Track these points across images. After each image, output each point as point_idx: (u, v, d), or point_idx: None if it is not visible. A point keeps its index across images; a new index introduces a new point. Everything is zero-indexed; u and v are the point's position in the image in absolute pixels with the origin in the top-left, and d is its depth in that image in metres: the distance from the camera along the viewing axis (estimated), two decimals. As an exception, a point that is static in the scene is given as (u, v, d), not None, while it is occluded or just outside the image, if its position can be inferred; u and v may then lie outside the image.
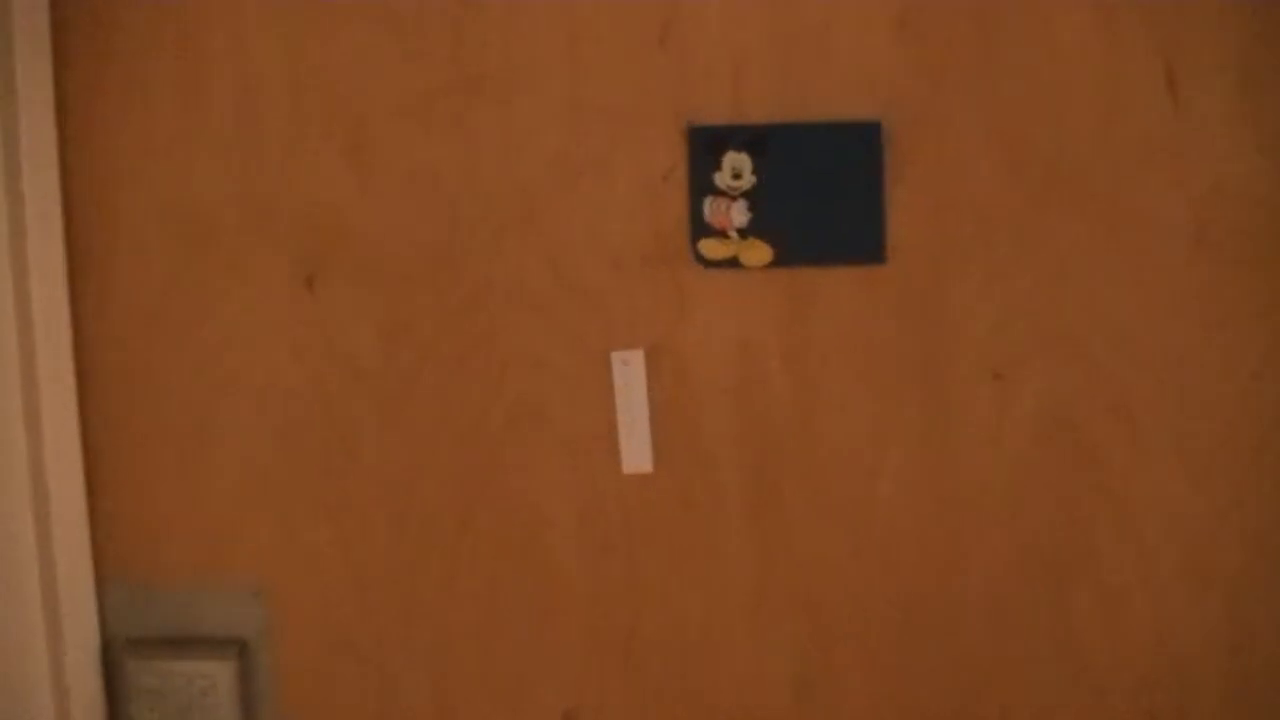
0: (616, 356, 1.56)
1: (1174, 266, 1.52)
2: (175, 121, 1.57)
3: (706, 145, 1.52)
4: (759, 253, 1.54)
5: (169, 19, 1.56)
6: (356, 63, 1.55)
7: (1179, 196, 1.50)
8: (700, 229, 1.54)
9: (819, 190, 1.52)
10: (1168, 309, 1.52)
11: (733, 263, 1.54)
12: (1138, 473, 1.55)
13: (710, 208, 1.53)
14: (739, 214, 1.53)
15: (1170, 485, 1.54)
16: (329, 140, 1.57)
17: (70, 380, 1.60)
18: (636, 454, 1.57)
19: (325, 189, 1.57)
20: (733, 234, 1.54)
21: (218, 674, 1.61)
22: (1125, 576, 1.56)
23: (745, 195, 1.53)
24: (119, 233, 1.59)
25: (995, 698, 1.59)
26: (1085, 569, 1.56)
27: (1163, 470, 1.54)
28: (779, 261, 1.53)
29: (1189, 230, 1.51)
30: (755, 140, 1.52)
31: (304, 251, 1.58)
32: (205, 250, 1.59)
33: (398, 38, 1.55)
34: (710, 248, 1.54)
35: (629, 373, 1.56)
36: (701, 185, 1.53)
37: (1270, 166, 1.49)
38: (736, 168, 1.52)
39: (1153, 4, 1.48)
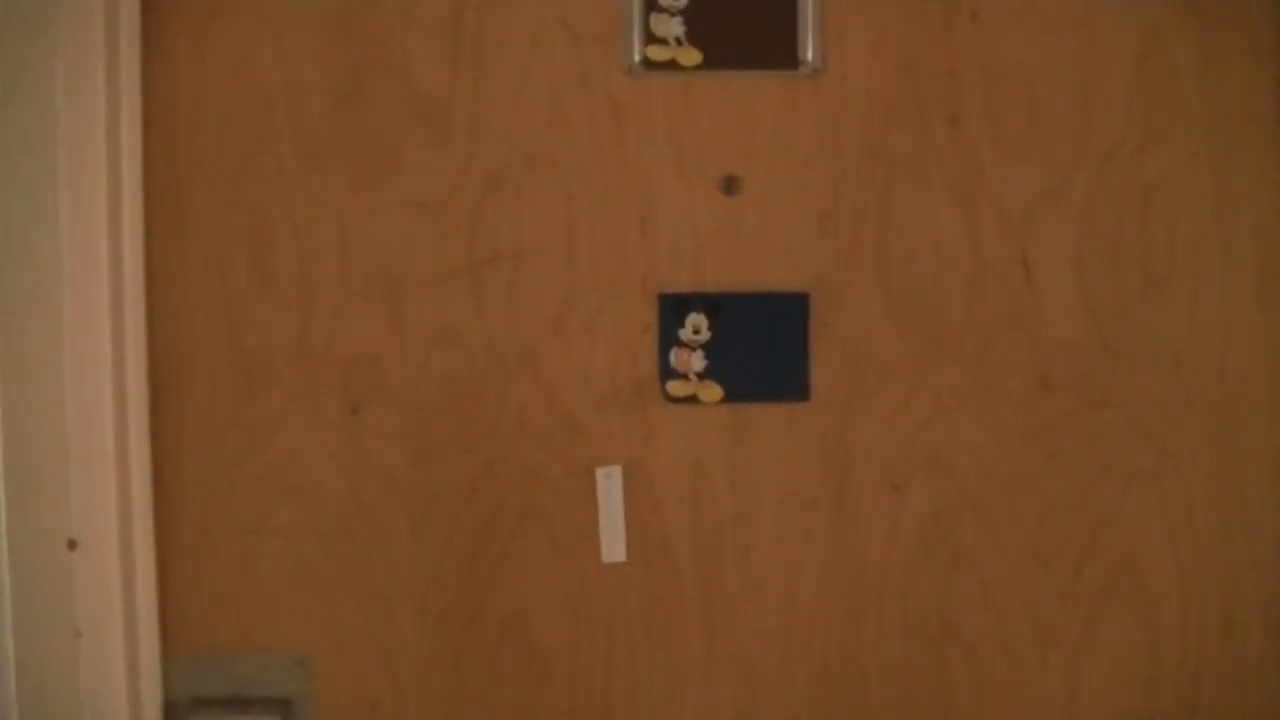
0: (600, 471, 1.99)
1: (1024, 406, 2.00)
2: (246, 282, 1.97)
3: (673, 308, 1.97)
4: (712, 392, 1.98)
5: (241, 202, 1.96)
6: (394, 240, 1.97)
7: (1029, 350, 1.99)
8: (667, 372, 1.98)
9: (759, 344, 1.98)
10: (1019, 438, 2.00)
11: (692, 399, 1.98)
12: (995, 560, 2.02)
13: (675, 356, 1.98)
14: (698, 361, 1.98)
15: (1021, 569, 2.02)
16: (370, 302, 1.98)
17: (148, 486, 1.97)
18: (614, 547, 2.00)
19: (366, 340, 1.98)
20: (693, 377, 1.98)
21: (267, 728, 1.99)
22: (988, 641, 2.02)
23: (703, 347, 1.97)
24: (196, 371, 1.97)
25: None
26: (957, 635, 2.02)
27: (1015, 559, 2.02)
28: (728, 398, 1.98)
29: (1036, 377, 2.00)
30: (711, 305, 1.97)
31: (349, 388, 1.98)
32: (267, 384, 1.98)
33: (429, 220, 1.97)
34: (675, 387, 1.98)
35: (610, 484, 1.99)
36: (669, 338, 1.98)
37: (1098, 329, 2.00)
38: (696, 325, 1.97)
39: (1010, 209, 1.98)
